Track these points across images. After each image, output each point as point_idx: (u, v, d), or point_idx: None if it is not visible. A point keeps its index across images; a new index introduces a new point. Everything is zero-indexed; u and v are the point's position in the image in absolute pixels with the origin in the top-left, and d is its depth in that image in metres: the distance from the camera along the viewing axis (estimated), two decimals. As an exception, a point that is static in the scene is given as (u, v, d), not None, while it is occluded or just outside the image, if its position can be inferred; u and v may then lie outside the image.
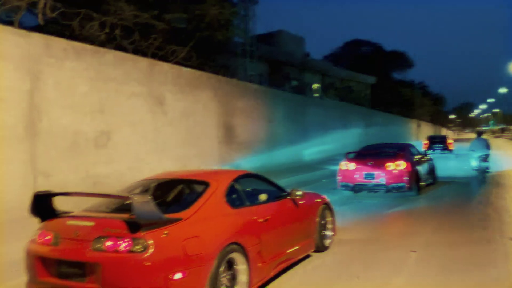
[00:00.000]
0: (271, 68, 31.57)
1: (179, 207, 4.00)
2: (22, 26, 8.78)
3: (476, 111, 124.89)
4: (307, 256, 5.65)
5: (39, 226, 3.92)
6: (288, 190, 5.41)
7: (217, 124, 13.40)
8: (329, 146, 23.12)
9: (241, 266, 4.05)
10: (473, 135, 28.05)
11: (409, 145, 12.58)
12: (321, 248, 5.82)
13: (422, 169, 11.48)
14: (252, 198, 4.82)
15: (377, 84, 46.15)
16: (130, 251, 3.33)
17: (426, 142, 27.97)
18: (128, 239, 3.36)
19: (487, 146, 13.86)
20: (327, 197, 6.34)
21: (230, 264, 3.97)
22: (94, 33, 9.36)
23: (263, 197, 4.94)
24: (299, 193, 5.30)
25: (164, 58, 11.69)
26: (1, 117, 7.40)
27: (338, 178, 11.05)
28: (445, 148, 27.08)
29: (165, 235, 3.43)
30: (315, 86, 34.67)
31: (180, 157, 11.65)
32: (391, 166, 10.38)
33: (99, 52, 9.36)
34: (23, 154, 7.71)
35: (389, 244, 6.44)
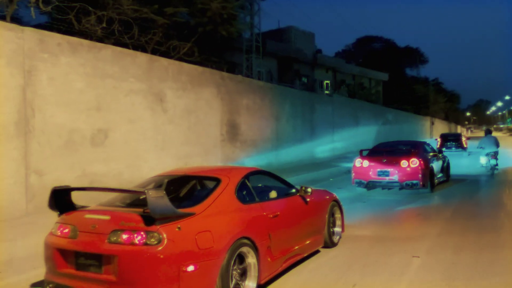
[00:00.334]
0: (281, 65, 31.21)
1: (192, 202, 4.13)
2: (24, 23, 8.61)
3: (492, 109, 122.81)
4: (316, 252, 5.75)
5: (57, 220, 4.07)
6: (298, 187, 5.50)
7: (220, 121, 13.12)
8: (339, 144, 22.70)
9: (251, 260, 4.16)
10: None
11: (423, 143, 12.62)
12: (329, 244, 5.91)
13: (436, 166, 11.50)
14: (262, 194, 4.98)
15: (389, 81, 45.46)
16: (145, 244, 3.45)
17: (439, 140, 27.66)
18: (143, 232, 3.49)
19: (496, 144, 14.22)
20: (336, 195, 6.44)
21: (241, 258, 4.08)
22: (91, 28, 9.10)
23: (273, 193, 5.13)
24: (308, 190, 5.40)
25: (166, 54, 11.44)
26: (-8, 114, 7.22)
27: (352, 175, 11.21)
28: (459, 146, 26.84)
29: (178, 229, 3.56)
30: (325, 83, 34.23)
31: (181, 156, 11.40)
32: (405, 163, 10.47)
33: (95, 47, 9.13)
34: (15, 151, 7.51)
35: (393, 247, 6.08)
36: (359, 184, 11.06)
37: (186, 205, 4.02)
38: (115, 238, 3.55)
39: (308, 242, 5.35)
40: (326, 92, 33.65)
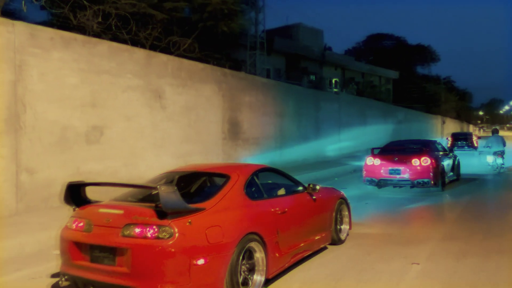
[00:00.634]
0: (289, 62, 30.84)
1: (202, 198, 4.22)
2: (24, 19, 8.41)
3: (505, 108, 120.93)
4: (324, 248, 5.85)
5: (72, 214, 4.19)
6: (305, 184, 5.59)
7: (221, 119, 12.84)
8: (345, 143, 22.27)
9: (259, 255, 4.24)
10: (501, 132, 28.45)
11: (434, 142, 12.84)
12: (336, 241, 6.00)
13: (446, 165, 11.62)
14: (270, 191, 5.08)
15: (400, 79, 44.82)
16: (156, 238, 3.56)
17: (450, 139, 27.61)
18: (155, 226, 3.59)
19: (503, 143, 14.69)
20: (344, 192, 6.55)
21: (249, 253, 4.17)
22: (87, 23, 8.88)
23: (281, 190, 5.26)
24: (316, 187, 5.52)
25: (166, 51, 11.18)
26: (-20, 110, 7.03)
27: (363, 173, 11.37)
28: (470, 145, 26.85)
29: (189, 224, 3.65)
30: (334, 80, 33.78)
31: (180, 154, 11.16)
32: (416, 161, 10.58)
33: (90, 43, 8.91)
34: (5, 149, 7.31)
35: (392, 252, 5.76)
36: (370, 182, 11.15)
37: (197, 200, 4.13)
38: (128, 232, 3.66)
39: (315, 238, 5.45)
40: (335, 90, 33.21)
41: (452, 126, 59.56)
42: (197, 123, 11.83)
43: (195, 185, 5.08)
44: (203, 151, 12.01)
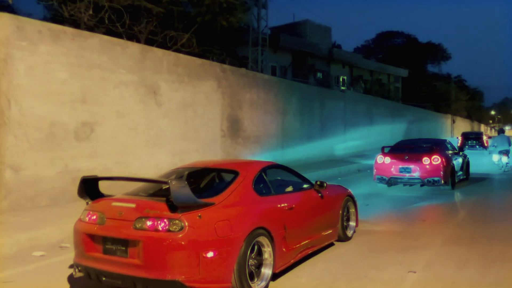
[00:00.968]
0: (296, 60, 30.42)
1: (211, 193, 4.34)
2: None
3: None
4: (331, 244, 5.91)
5: (86, 207, 4.29)
6: (313, 182, 5.66)
7: (220, 116, 12.51)
8: (351, 143, 21.79)
9: (267, 249, 4.32)
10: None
11: (444, 141, 12.92)
12: (343, 238, 6.07)
13: (456, 164, 11.69)
14: (278, 187, 5.15)
15: (409, 77, 44.15)
16: (167, 230, 3.65)
17: (460, 138, 27.36)
18: (166, 220, 3.68)
19: (508, 142, 15.05)
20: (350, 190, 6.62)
21: (257, 247, 4.25)
22: (78, 15, 8.58)
23: (289, 187, 5.36)
24: (323, 184, 5.59)
25: (162, 46, 10.86)
26: (-38, 105, 6.78)
27: (374, 171, 11.43)
28: (480, 145, 26.65)
29: (199, 217, 3.75)
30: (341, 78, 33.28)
31: (176, 152, 10.85)
32: (427, 160, 10.63)
33: (81, 36, 8.62)
34: (-13, 145, 7.07)
35: (390, 258, 5.38)
36: (381, 180, 11.19)
37: (206, 195, 4.24)
38: (140, 225, 3.75)
39: (322, 235, 5.53)
40: (342, 88, 32.72)
41: (462, 125, 58.60)
42: (195, 120, 11.51)
43: (205, 181, 5.20)
44: (201, 149, 11.69)
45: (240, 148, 13.34)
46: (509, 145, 15.01)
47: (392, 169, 10.97)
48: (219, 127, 12.46)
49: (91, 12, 8.94)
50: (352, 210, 6.41)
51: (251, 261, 4.13)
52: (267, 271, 4.30)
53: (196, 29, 11.65)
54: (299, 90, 17.74)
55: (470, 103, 62.87)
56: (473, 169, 14.30)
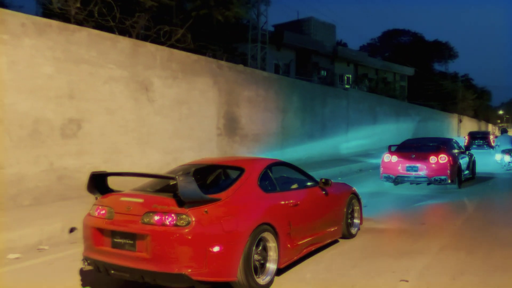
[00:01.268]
0: (300, 57, 30.06)
1: (218, 189, 4.39)
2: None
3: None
4: (335, 241, 5.96)
5: (95, 202, 4.36)
6: (318, 179, 5.74)
7: (217, 114, 12.17)
8: (354, 142, 21.38)
9: (272, 245, 4.38)
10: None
11: (451, 140, 12.93)
12: (347, 235, 6.13)
13: (463, 163, 11.71)
14: (283, 184, 5.20)
15: (416, 76, 43.60)
16: (175, 225, 3.73)
17: (467, 138, 27.22)
18: (173, 215, 3.76)
19: (510, 142, 15.36)
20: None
21: (263, 243, 4.30)
22: (65, 8, 8.27)
23: (294, 184, 5.41)
24: (328, 182, 5.69)
25: (156, 41, 10.54)
26: None
27: (381, 169, 11.47)
28: (487, 144, 26.44)
29: (205, 213, 3.81)
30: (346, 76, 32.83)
31: (170, 150, 10.53)
32: (434, 159, 10.64)
33: (68, 29, 8.32)
34: (-34, 142, 6.79)
35: (383, 265, 5.03)
36: (387, 178, 11.22)
37: (213, 191, 4.25)
38: (148, 219, 3.82)
39: (326, 232, 5.59)
40: (347, 86, 32.30)
41: (469, 125, 57.84)
42: (189, 118, 11.18)
43: (211, 177, 5.26)
44: (196, 147, 11.37)
45: (237, 147, 13.01)
46: (511, 145, 15.35)
47: (399, 168, 10.98)
48: (215, 125, 12.13)
49: (78, 4, 8.62)
50: (356, 207, 6.47)
51: (256, 256, 4.18)
52: (272, 266, 4.37)
53: (192, 24, 11.31)
54: (300, 88, 17.35)
55: (477, 102, 62.09)
56: (479, 168, 14.36)
